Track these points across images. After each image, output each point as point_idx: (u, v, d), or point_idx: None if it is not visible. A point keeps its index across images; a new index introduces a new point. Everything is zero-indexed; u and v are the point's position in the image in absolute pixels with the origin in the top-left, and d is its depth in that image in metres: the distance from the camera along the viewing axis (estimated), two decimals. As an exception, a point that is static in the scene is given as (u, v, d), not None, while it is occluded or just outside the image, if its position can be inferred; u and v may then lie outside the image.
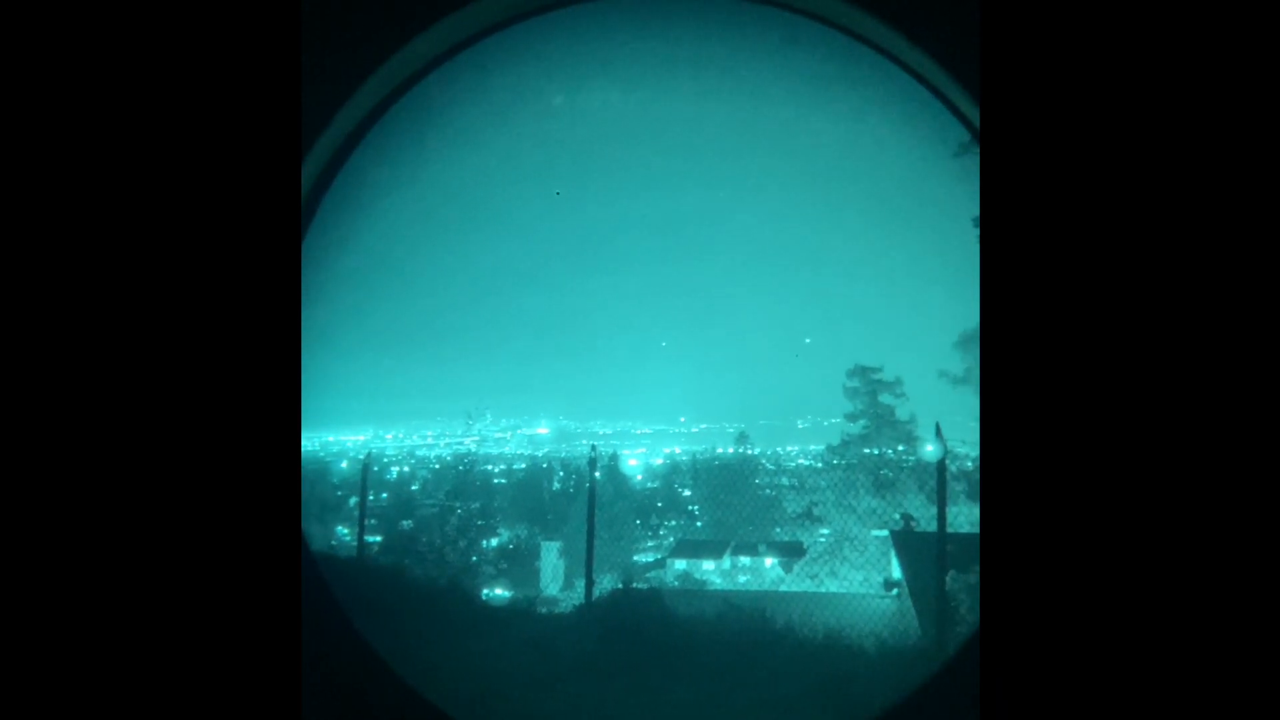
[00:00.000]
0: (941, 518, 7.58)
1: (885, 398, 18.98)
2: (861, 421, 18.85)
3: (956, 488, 13.67)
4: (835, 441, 18.78)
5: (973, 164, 10.68)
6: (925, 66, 3.92)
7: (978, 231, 10.83)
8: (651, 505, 21.49)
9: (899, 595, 11.56)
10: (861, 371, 19.04)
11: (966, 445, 16.37)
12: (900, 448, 18.56)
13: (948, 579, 9.01)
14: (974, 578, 9.63)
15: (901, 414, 18.86)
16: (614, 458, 21.70)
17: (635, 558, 19.73)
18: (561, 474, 20.00)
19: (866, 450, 18.36)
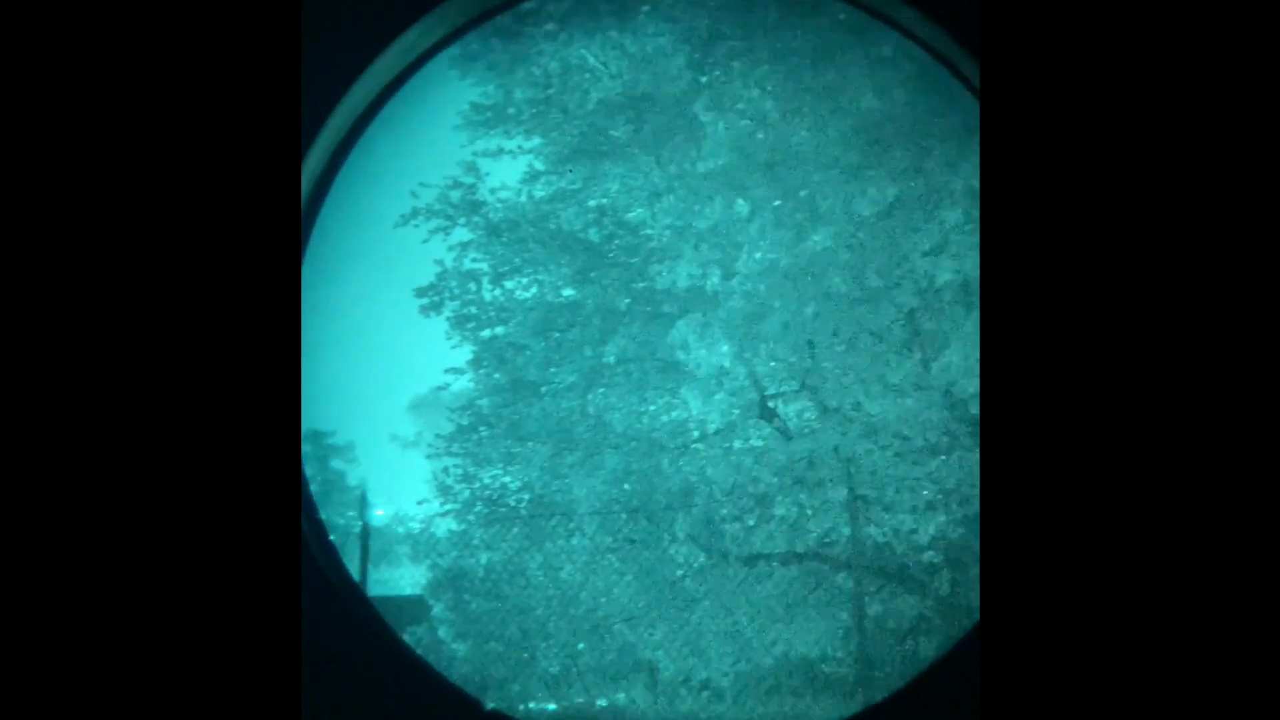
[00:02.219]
0: (363, 581, 7.57)
1: (336, 463, 18.68)
2: (311, 488, 18.27)
3: (401, 550, 13.81)
4: (284, 510, 17.95)
5: (414, 235, 11.08)
6: (922, 27, 3.77)
7: (421, 302, 11.27)
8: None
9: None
10: (314, 437, 18.55)
11: (415, 507, 16.75)
12: (350, 513, 18.30)
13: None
14: (409, 636, 9.78)
15: (351, 479, 18.68)
16: None
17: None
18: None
19: (316, 518, 17.79)
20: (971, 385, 7.39)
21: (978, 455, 7.61)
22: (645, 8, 8.26)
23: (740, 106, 7.96)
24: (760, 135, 7.94)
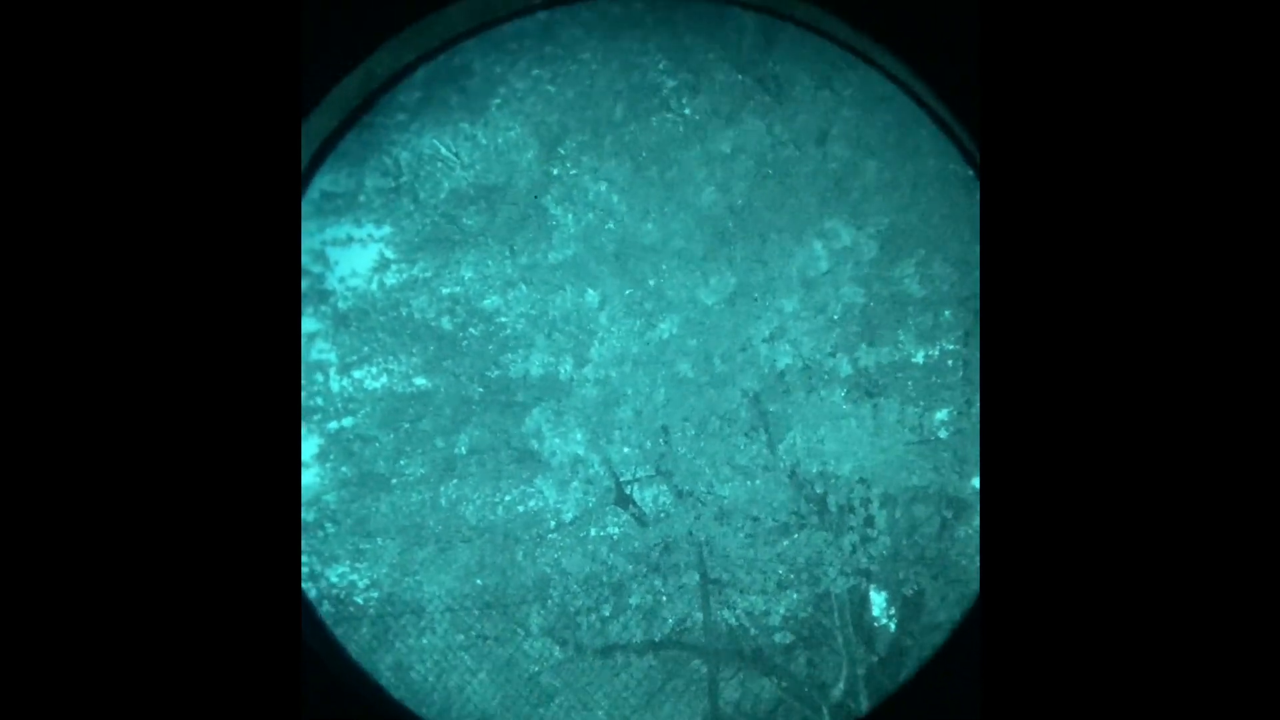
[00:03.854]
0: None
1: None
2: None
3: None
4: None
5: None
6: (923, 90, 3.76)
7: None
8: None
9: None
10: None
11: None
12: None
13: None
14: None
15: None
16: None
17: None
18: None
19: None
20: (815, 465, 7.63)
21: (823, 534, 7.80)
22: (496, 101, 8.42)
23: (589, 199, 8.16)
24: (610, 226, 8.14)
